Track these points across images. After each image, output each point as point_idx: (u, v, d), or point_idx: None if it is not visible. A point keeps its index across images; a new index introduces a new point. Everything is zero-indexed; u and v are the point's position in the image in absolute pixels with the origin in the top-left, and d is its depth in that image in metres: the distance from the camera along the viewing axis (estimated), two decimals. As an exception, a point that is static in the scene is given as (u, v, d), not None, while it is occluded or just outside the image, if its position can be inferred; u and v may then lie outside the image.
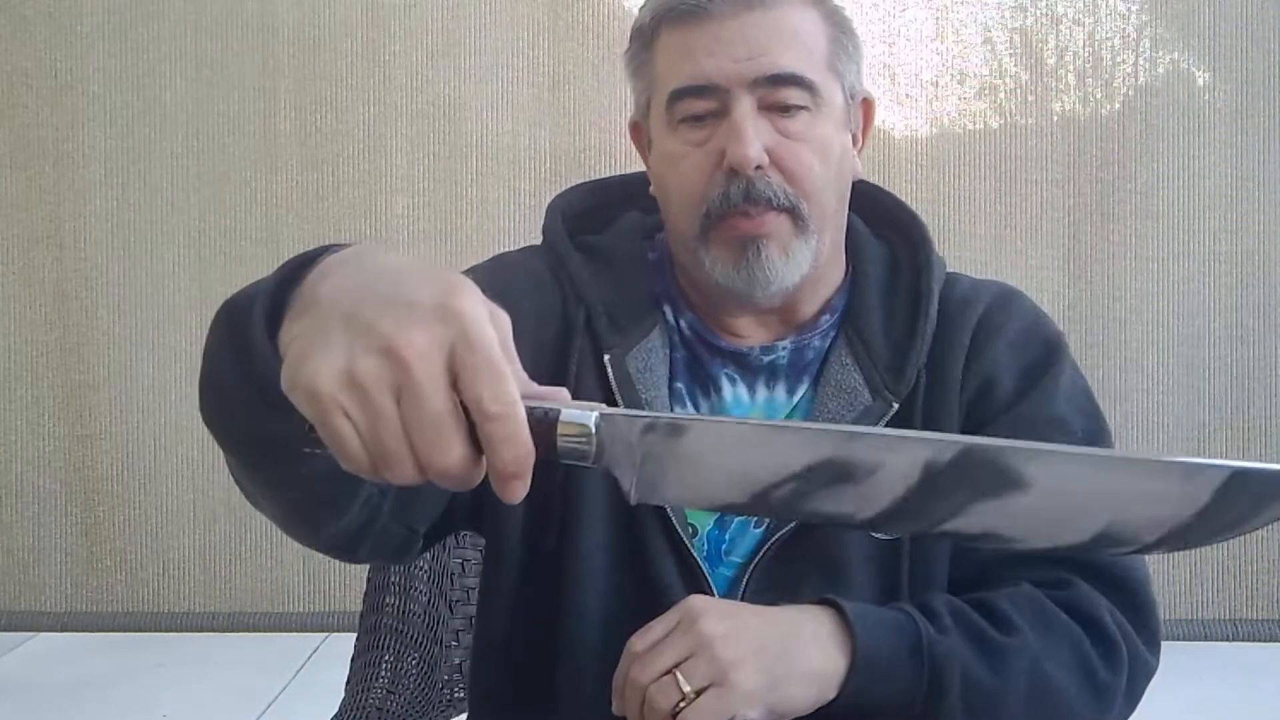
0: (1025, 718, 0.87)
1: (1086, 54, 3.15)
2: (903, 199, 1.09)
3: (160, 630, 3.20)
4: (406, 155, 3.20)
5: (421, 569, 1.24)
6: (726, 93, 0.93)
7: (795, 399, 1.00)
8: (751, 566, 0.95)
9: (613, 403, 0.95)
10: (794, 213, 0.94)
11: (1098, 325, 3.10)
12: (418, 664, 1.22)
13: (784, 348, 1.01)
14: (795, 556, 0.95)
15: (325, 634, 3.07)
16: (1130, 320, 3.10)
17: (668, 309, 1.03)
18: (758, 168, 0.92)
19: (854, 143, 1.02)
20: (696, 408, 1.00)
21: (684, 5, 0.94)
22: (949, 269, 1.04)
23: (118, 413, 3.23)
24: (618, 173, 1.13)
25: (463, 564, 1.25)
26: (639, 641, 0.82)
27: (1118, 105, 3.14)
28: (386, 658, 1.21)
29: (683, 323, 1.02)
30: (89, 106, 3.22)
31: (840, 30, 0.98)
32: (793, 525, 0.94)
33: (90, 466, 3.25)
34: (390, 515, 0.84)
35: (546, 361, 0.97)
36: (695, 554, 0.94)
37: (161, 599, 3.25)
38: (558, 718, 0.96)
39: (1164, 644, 0.95)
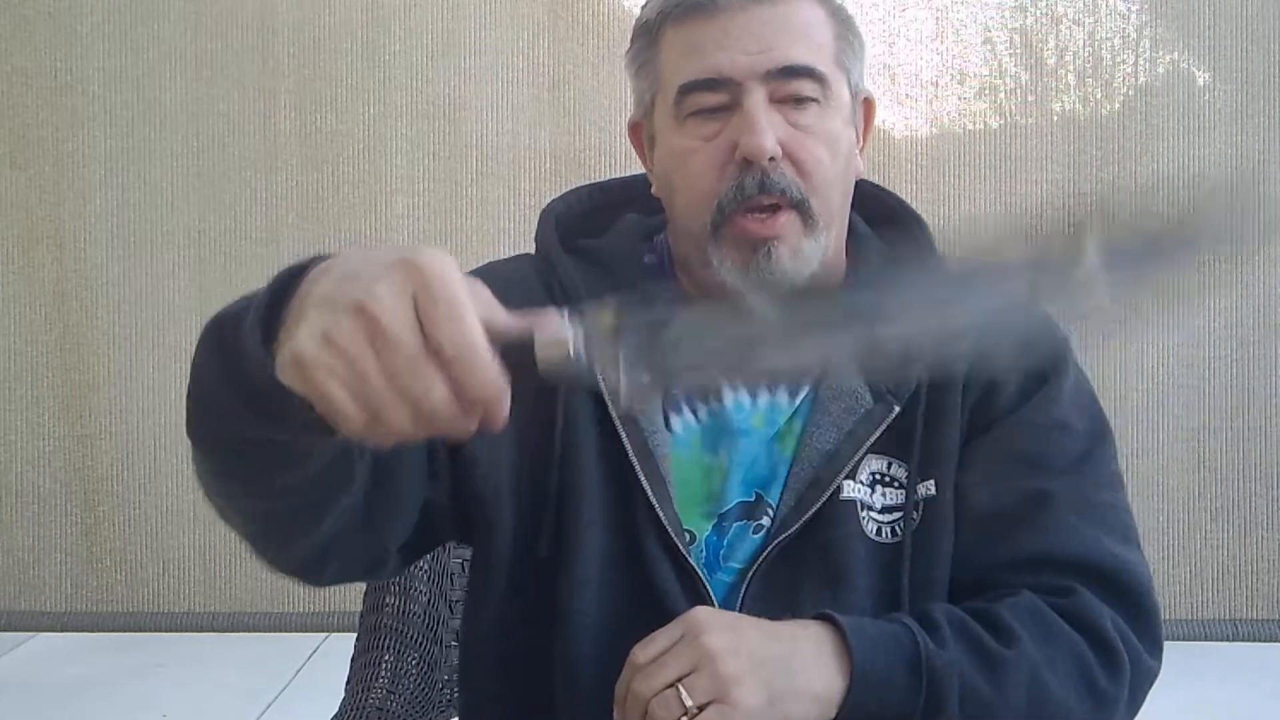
0: None
1: (1086, 54, 3.15)
2: (903, 199, 1.09)
3: (160, 630, 3.20)
4: (406, 155, 3.20)
5: (422, 569, 1.24)
6: (738, 85, 0.93)
7: (797, 401, 0.99)
8: (751, 572, 0.94)
9: (605, 412, 0.95)
10: (804, 209, 0.94)
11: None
12: (418, 664, 1.22)
13: None
14: (795, 562, 0.94)
15: (325, 634, 3.07)
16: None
17: None
18: (771, 159, 0.92)
19: (856, 141, 1.01)
20: (695, 414, 0.99)
21: (691, 0, 0.94)
22: None
23: (118, 413, 3.23)
24: (618, 172, 1.13)
25: (463, 564, 1.25)
26: (641, 653, 0.82)
27: (1118, 105, 3.14)
28: (386, 658, 1.21)
29: None
30: (89, 106, 3.22)
31: (845, 27, 0.98)
32: (792, 531, 0.93)
33: (90, 466, 3.25)
34: (363, 527, 0.84)
35: None
36: (693, 560, 0.94)
37: (161, 599, 3.25)
38: None
39: (1164, 645, 0.95)
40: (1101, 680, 0.89)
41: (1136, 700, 0.93)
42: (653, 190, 1.03)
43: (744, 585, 0.94)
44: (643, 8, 1.00)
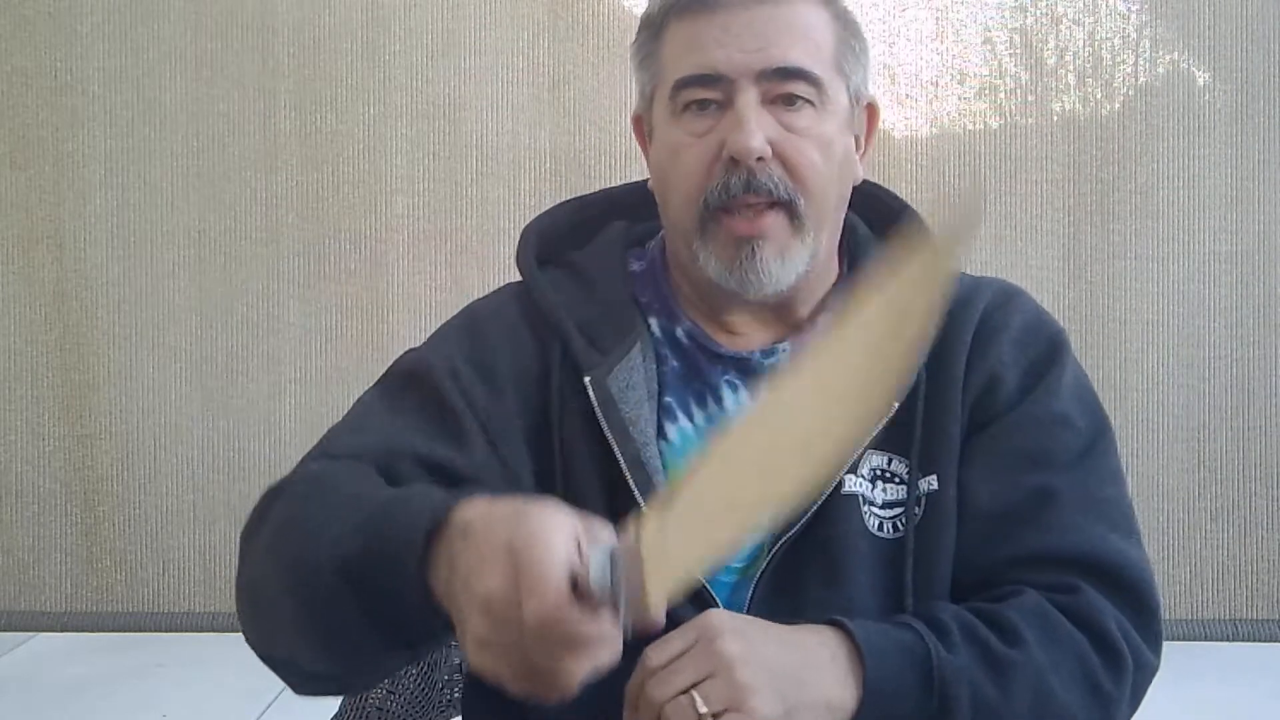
0: None
1: (1086, 54, 3.15)
2: (904, 199, 1.09)
3: (160, 630, 3.20)
4: (406, 155, 3.20)
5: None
6: (732, 83, 0.93)
7: None
8: (756, 575, 0.94)
9: (595, 425, 0.94)
10: (791, 209, 0.94)
11: (1098, 325, 3.10)
12: (418, 664, 1.22)
13: (784, 350, 1.00)
14: (798, 563, 0.94)
15: (325, 634, 3.07)
16: (1130, 320, 3.10)
17: (654, 321, 1.01)
18: (759, 159, 0.92)
19: (857, 146, 1.01)
20: (691, 419, 0.98)
21: None
22: None
23: (118, 413, 3.23)
24: (618, 172, 1.13)
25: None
26: (655, 656, 0.80)
27: (1118, 105, 3.14)
28: (387, 658, 1.20)
29: (679, 331, 1.01)
30: (89, 106, 3.22)
31: (849, 32, 0.98)
32: (794, 530, 0.93)
33: (90, 466, 3.25)
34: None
35: (532, 412, 0.97)
36: None
37: (161, 599, 3.25)
38: None
39: (1164, 644, 0.95)
40: (1105, 682, 0.89)
41: (1137, 697, 0.92)
42: (649, 184, 1.03)
43: (750, 589, 0.94)
44: (649, 1, 1.01)
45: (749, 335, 1.01)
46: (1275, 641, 3.04)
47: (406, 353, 1.02)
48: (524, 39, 3.17)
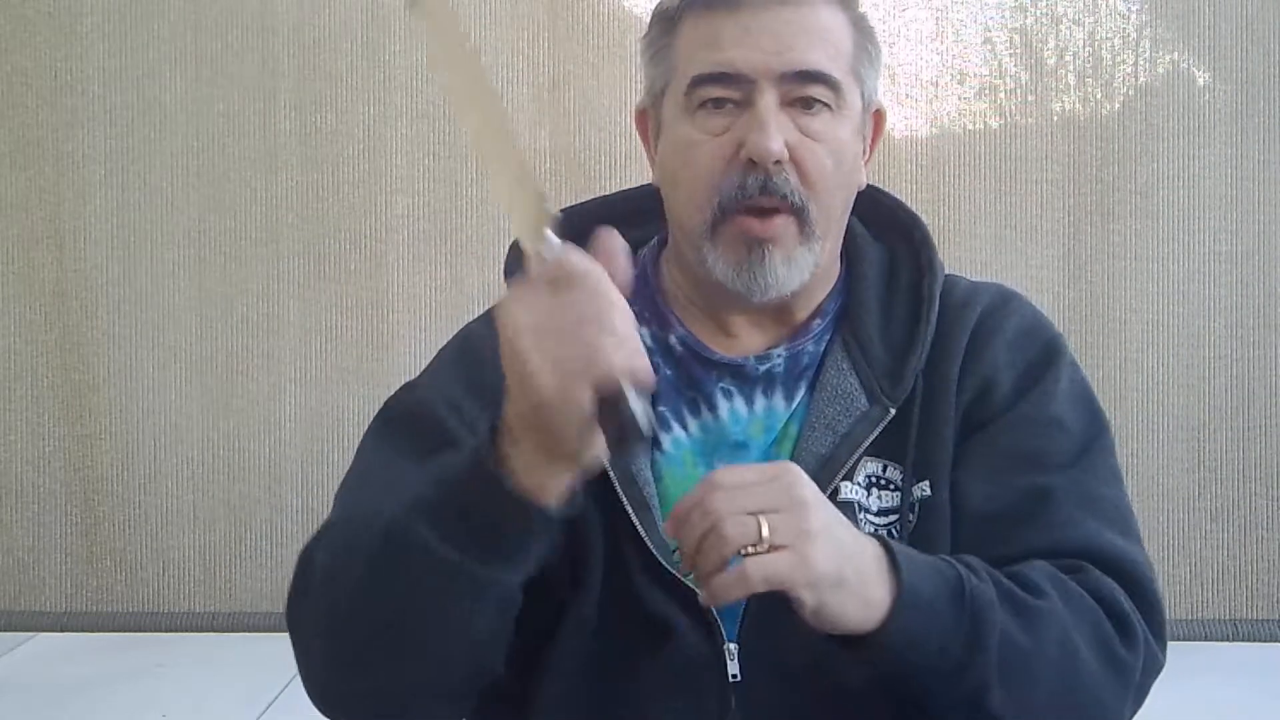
0: (1054, 685, 0.84)
1: (1086, 54, 3.15)
2: (903, 200, 1.08)
3: (160, 630, 3.20)
4: (406, 155, 3.20)
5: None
6: (752, 84, 0.92)
7: (793, 405, 0.98)
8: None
9: None
10: (802, 215, 0.94)
11: (1098, 325, 3.10)
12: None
13: (779, 355, 0.99)
14: None
15: (325, 634, 3.06)
16: (1130, 320, 3.10)
17: (644, 330, 1.00)
18: (776, 162, 0.92)
19: (862, 151, 1.01)
20: (685, 429, 0.98)
21: None
22: (947, 270, 1.03)
23: (118, 413, 3.23)
24: (617, 172, 1.13)
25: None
26: (727, 476, 0.79)
27: (1118, 105, 3.14)
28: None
29: (673, 338, 1.01)
30: (89, 106, 3.22)
31: (865, 37, 0.98)
32: None
33: (90, 466, 3.25)
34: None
35: None
36: (687, 580, 0.91)
37: (161, 599, 3.25)
38: None
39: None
40: (1120, 649, 0.87)
41: (1142, 691, 0.91)
42: (653, 180, 1.02)
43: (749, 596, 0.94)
44: None
45: (745, 339, 1.00)
46: (1275, 641, 3.04)
47: (404, 389, 1.01)
48: (524, 39, 3.17)
